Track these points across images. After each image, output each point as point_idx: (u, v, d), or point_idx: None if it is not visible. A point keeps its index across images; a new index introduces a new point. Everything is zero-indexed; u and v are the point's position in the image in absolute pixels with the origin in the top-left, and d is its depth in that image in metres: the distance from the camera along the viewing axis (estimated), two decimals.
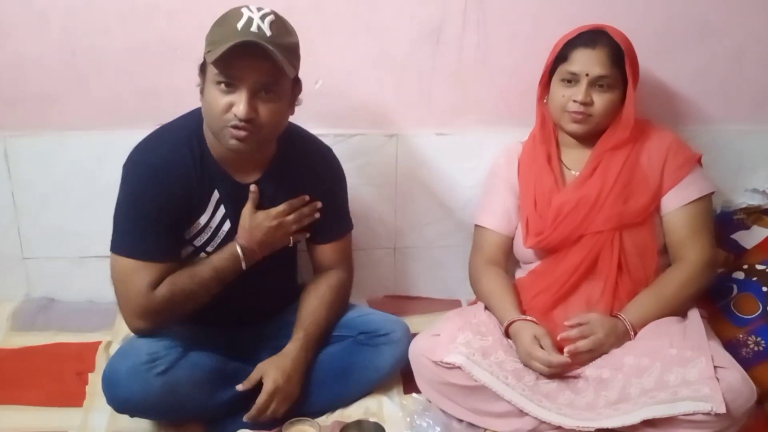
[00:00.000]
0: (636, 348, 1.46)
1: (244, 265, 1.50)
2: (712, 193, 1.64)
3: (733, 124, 1.97)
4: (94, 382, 1.60)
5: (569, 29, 1.65)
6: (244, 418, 1.48)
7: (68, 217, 1.88)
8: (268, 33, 1.34)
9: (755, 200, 1.95)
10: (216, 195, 1.49)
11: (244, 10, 1.35)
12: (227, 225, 1.51)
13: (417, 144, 1.91)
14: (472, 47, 1.84)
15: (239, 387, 1.49)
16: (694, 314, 1.55)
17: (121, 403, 1.41)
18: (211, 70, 1.36)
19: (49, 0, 1.71)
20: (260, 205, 1.53)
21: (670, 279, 1.57)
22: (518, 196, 1.70)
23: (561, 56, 1.61)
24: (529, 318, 1.53)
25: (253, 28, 1.33)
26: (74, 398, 1.58)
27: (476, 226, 1.75)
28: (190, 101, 1.49)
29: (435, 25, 1.81)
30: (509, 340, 1.55)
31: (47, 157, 1.84)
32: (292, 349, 1.54)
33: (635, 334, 1.50)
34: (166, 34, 1.75)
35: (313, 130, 1.65)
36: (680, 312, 1.56)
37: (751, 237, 1.82)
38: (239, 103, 1.35)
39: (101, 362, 1.66)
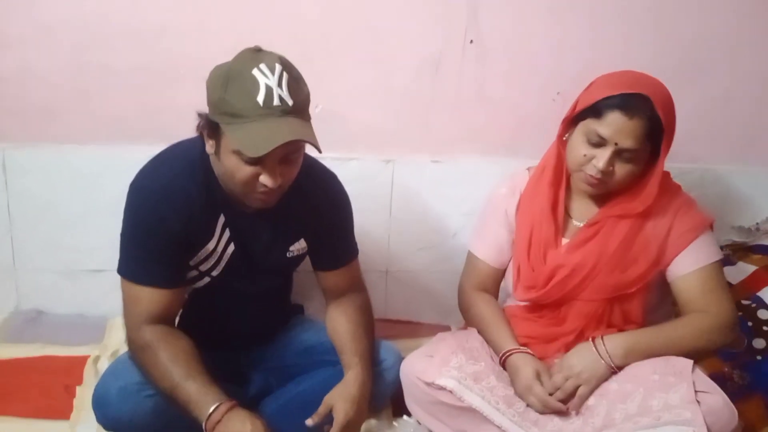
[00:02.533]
0: (619, 374, 1.46)
1: (198, 419, 1.32)
2: (721, 260, 1.54)
3: (720, 164, 2.02)
4: (82, 395, 1.60)
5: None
6: None
7: (63, 230, 1.89)
8: (290, 101, 1.26)
9: (741, 237, 1.99)
10: (222, 219, 1.45)
11: (258, 76, 1.24)
12: (231, 247, 1.47)
13: (413, 170, 1.95)
14: (471, 79, 1.88)
15: (308, 421, 1.40)
16: None
17: (111, 422, 1.40)
18: (231, 142, 1.28)
19: (59, 15, 1.73)
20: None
21: (684, 324, 1.49)
22: (513, 232, 1.65)
23: (594, 109, 1.44)
24: (528, 351, 1.53)
25: (276, 102, 1.24)
26: (61, 411, 1.57)
27: (469, 251, 1.76)
28: (193, 121, 1.46)
29: (435, 56, 1.86)
30: (500, 367, 1.56)
31: (45, 169, 1.85)
32: (355, 375, 1.48)
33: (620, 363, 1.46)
34: (172, 54, 1.77)
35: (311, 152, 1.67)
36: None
37: (736, 273, 1.85)
38: (267, 175, 1.30)
39: (89, 376, 1.66)
